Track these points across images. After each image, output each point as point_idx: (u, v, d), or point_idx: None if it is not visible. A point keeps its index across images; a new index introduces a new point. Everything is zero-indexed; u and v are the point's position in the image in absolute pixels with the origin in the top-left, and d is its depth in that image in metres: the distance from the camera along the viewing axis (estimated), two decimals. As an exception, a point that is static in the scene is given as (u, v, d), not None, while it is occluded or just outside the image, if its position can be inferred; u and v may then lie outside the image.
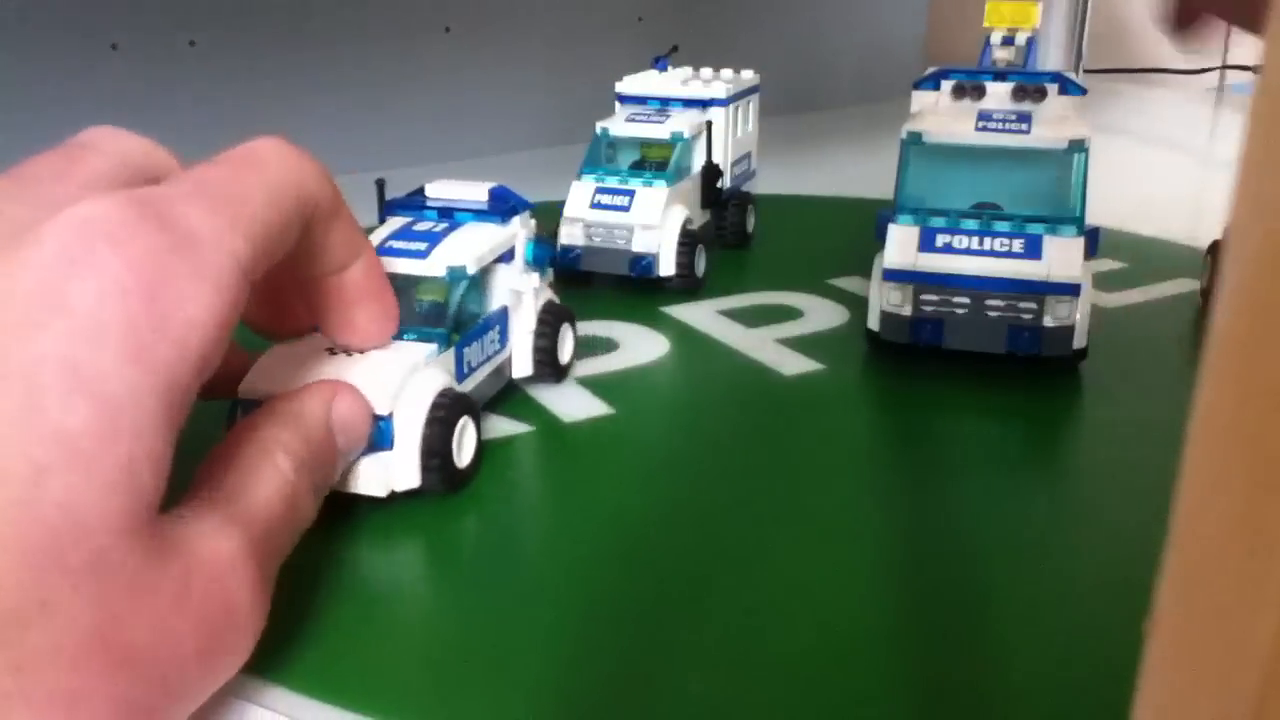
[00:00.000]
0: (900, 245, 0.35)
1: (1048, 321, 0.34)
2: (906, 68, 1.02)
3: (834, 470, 0.30)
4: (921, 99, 0.40)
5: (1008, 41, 0.41)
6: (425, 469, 0.27)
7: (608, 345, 0.39)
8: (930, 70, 0.41)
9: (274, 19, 0.65)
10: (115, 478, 0.16)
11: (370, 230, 0.32)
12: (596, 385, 0.35)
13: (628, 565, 0.25)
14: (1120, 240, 0.51)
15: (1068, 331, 0.34)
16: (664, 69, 0.52)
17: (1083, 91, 0.39)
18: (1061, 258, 0.34)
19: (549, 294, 0.34)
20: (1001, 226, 0.35)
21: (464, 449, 0.28)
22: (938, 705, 0.21)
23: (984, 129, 0.37)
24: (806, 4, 0.90)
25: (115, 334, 0.17)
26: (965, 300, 0.35)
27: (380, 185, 0.34)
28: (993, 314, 0.35)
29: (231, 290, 0.19)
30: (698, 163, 0.47)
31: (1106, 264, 0.47)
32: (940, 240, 0.35)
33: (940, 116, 0.38)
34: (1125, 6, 1.01)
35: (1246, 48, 0.99)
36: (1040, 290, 0.34)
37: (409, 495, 0.27)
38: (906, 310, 0.35)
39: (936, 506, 0.28)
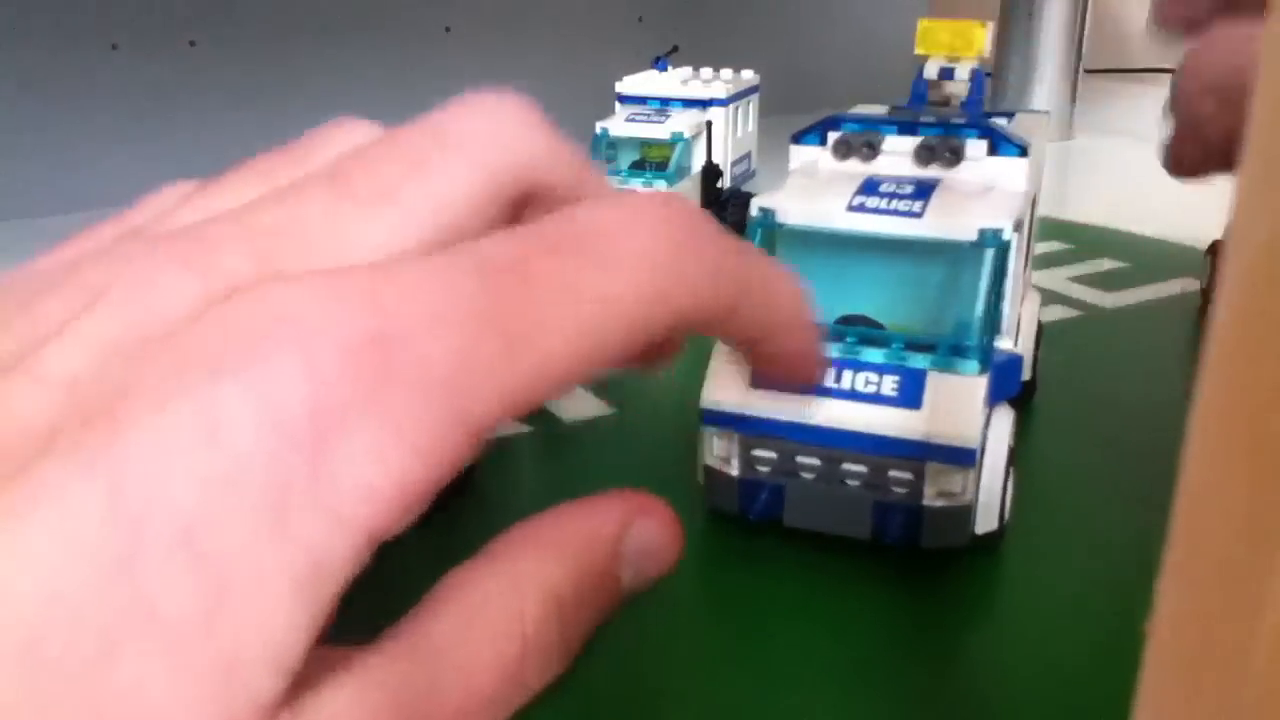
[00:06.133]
0: (724, 375, 0.25)
1: (930, 499, 0.23)
2: (906, 67, 1.02)
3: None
4: (801, 156, 0.28)
5: (946, 74, 0.29)
6: None
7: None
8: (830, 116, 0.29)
9: (274, 19, 0.65)
10: (206, 674, 0.13)
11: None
12: (596, 385, 0.35)
13: None
14: (1120, 240, 0.51)
15: (960, 514, 0.23)
16: (664, 69, 0.52)
17: (1020, 151, 0.26)
18: (950, 406, 0.23)
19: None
20: (872, 354, 0.24)
21: None
22: None
23: (860, 208, 0.25)
24: (806, 4, 0.90)
25: (257, 491, 0.13)
26: (813, 461, 0.24)
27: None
28: (851, 483, 0.24)
29: (439, 460, 0.14)
30: (698, 163, 0.47)
31: (1106, 264, 0.47)
32: None
33: (814, 184, 0.27)
34: (1125, 6, 1.01)
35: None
36: (917, 454, 0.23)
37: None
38: (734, 468, 0.25)
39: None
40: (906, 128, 0.27)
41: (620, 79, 0.50)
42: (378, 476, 0.14)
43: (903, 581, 0.24)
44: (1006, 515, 0.25)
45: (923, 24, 0.29)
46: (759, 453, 0.25)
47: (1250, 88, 0.27)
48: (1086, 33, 0.79)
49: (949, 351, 0.24)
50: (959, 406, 0.23)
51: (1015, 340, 0.27)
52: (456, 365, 0.14)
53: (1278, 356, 0.07)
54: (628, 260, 0.15)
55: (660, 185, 0.43)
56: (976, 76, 0.29)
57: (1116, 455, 0.30)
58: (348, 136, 0.19)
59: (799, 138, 0.28)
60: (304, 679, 0.14)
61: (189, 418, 0.13)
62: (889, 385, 0.23)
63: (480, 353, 0.14)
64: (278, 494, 0.13)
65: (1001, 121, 0.30)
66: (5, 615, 0.12)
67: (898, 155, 0.27)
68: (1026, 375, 0.31)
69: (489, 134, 0.18)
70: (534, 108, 0.19)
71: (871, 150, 0.27)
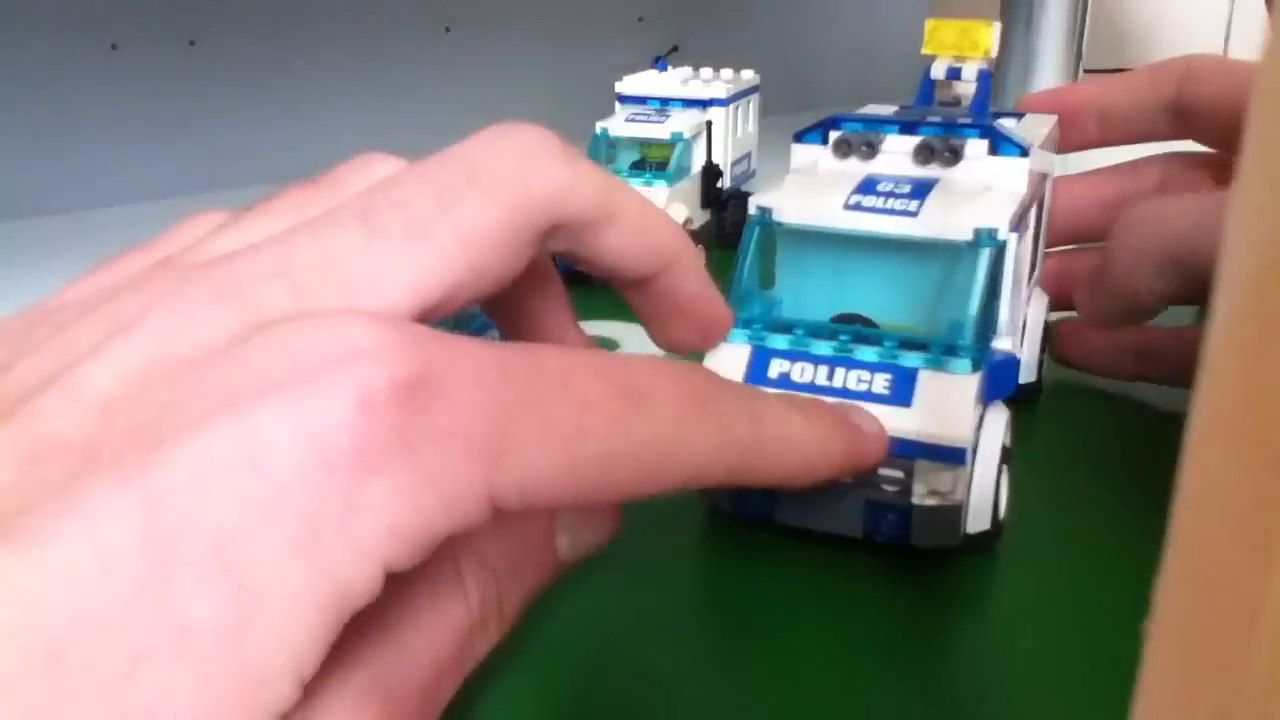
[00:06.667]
0: (719, 372, 0.23)
1: (920, 498, 0.23)
2: (906, 67, 1.02)
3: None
4: (803, 155, 0.28)
5: (953, 75, 0.29)
6: None
7: (608, 345, 0.39)
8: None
9: (274, 19, 0.65)
10: (230, 689, 0.13)
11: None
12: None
13: (627, 568, 0.25)
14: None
15: (949, 514, 0.23)
16: (664, 69, 0.52)
17: (1021, 152, 0.26)
18: (941, 404, 0.23)
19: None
20: (865, 353, 0.24)
21: None
22: None
23: (856, 206, 0.25)
24: (806, 4, 0.90)
25: (292, 515, 0.13)
26: None
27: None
28: (843, 481, 0.23)
29: (461, 515, 0.14)
30: (698, 163, 0.47)
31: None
32: (775, 369, 0.24)
33: (812, 182, 0.27)
34: (1125, 6, 1.01)
35: (1246, 47, 0.99)
36: (907, 452, 0.23)
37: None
38: None
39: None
40: (907, 127, 0.27)
41: (620, 79, 0.50)
42: (405, 519, 0.14)
43: (901, 580, 0.24)
44: (1002, 515, 0.25)
45: (930, 23, 0.29)
46: None
47: (1184, 257, 0.27)
48: (1086, 33, 0.79)
49: (942, 351, 0.24)
50: (949, 405, 0.23)
51: (1019, 341, 0.27)
52: (494, 434, 0.14)
53: (1278, 357, 0.07)
54: (660, 419, 0.16)
55: (660, 185, 0.43)
56: (983, 77, 0.29)
57: (1120, 456, 0.30)
58: (375, 171, 0.19)
59: (800, 136, 0.28)
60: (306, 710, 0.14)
61: (231, 438, 0.13)
62: (881, 383, 0.23)
63: (517, 432, 0.15)
64: (311, 520, 0.13)
65: (1009, 122, 0.30)
66: (34, 627, 0.12)
67: (898, 155, 0.27)
68: (1031, 377, 0.31)
69: (515, 168, 0.18)
70: (557, 138, 0.19)
71: (871, 149, 0.27)
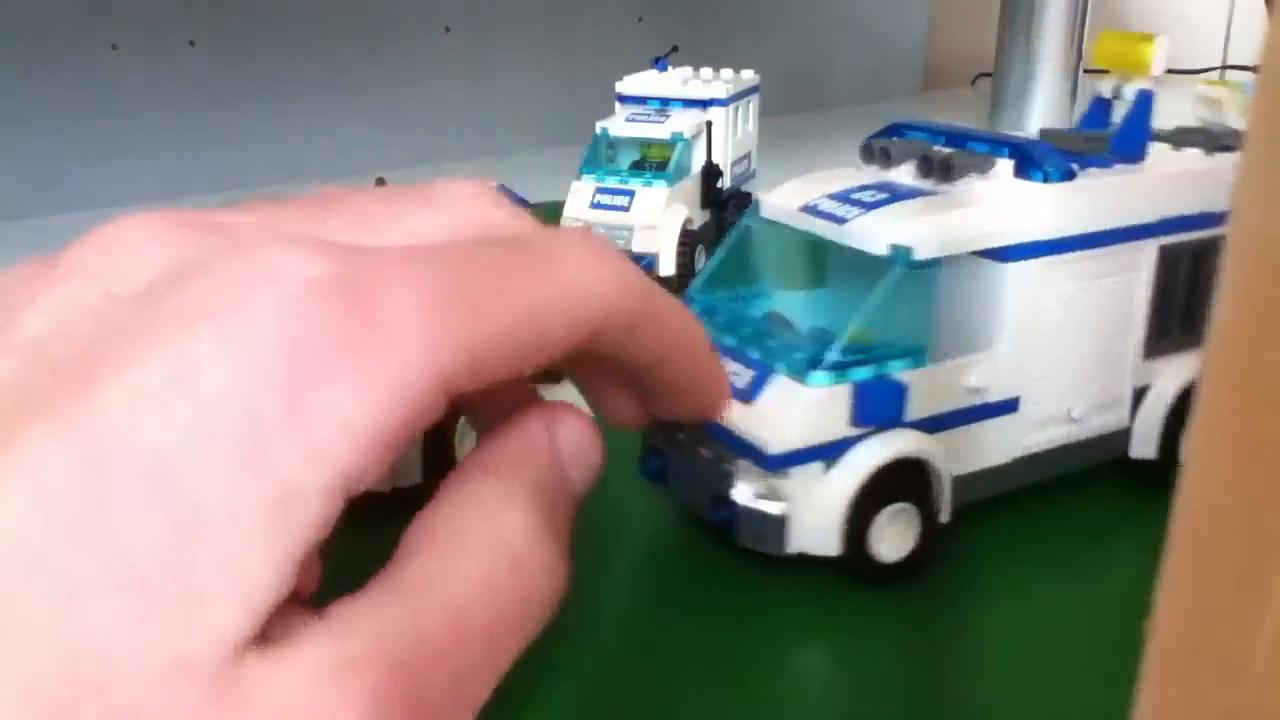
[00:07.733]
0: None
1: (743, 498, 0.24)
2: (907, 68, 1.02)
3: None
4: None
5: (1115, 94, 0.29)
6: (425, 465, 0.27)
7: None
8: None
9: (274, 19, 0.65)
10: (173, 611, 0.13)
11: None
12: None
13: (624, 567, 0.25)
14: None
15: (770, 522, 0.23)
16: (664, 69, 0.52)
17: (1044, 178, 0.25)
18: (776, 409, 0.23)
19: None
20: (753, 350, 0.25)
21: (464, 448, 0.28)
22: None
23: (811, 209, 0.26)
24: (806, 4, 0.90)
25: (229, 427, 0.13)
26: (683, 439, 0.25)
27: (380, 185, 0.34)
28: (701, 468, 0.25)
29: (414, 403, 0.14)
30: (698, 163, 0.47)
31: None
32: None
33: (813, 183, 0.27)
34: (1125, 6, 1.01)
35: (1246, 47, 0.99)
36: (734, 447, 0.23)
37: (404, 500, 0.27)
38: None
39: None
40: (955, 139, 0.27)
41: (620, 79, 0.50)
42: (353, 415, 0.14)
43: (889, 597, 0.24)
44: (902, 554, 0.24)
45: (1102, 36, 0.28)
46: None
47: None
48: (1086, 33, 0.79)
49: (807, 359, 0.23)
50: (782, 411, 0.23)
51: (1073, 388, 0.26)
52: (428, 318, 0.15)
53: (1277, 356, 0.07)
54: (566, 264, 0.17)
55: (660, 185, 0.43)
56: (1144, 100, 0.27)
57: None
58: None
59: (869, 140, 0.29)
60: (283, 632, 0.14)
61: (162, 364, 0.13)
62: (744, 379, 0.24)
63: (450, 312, 0.15)
64: (251, 429, 0.13)
65: (1159, 147, 0.29)
66: None
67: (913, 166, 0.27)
68: (1150, 453, 0.28)
69: (468, 197, 0.19)
70: (500, 191, 0.20)
71: (885, 157, 0.27)
